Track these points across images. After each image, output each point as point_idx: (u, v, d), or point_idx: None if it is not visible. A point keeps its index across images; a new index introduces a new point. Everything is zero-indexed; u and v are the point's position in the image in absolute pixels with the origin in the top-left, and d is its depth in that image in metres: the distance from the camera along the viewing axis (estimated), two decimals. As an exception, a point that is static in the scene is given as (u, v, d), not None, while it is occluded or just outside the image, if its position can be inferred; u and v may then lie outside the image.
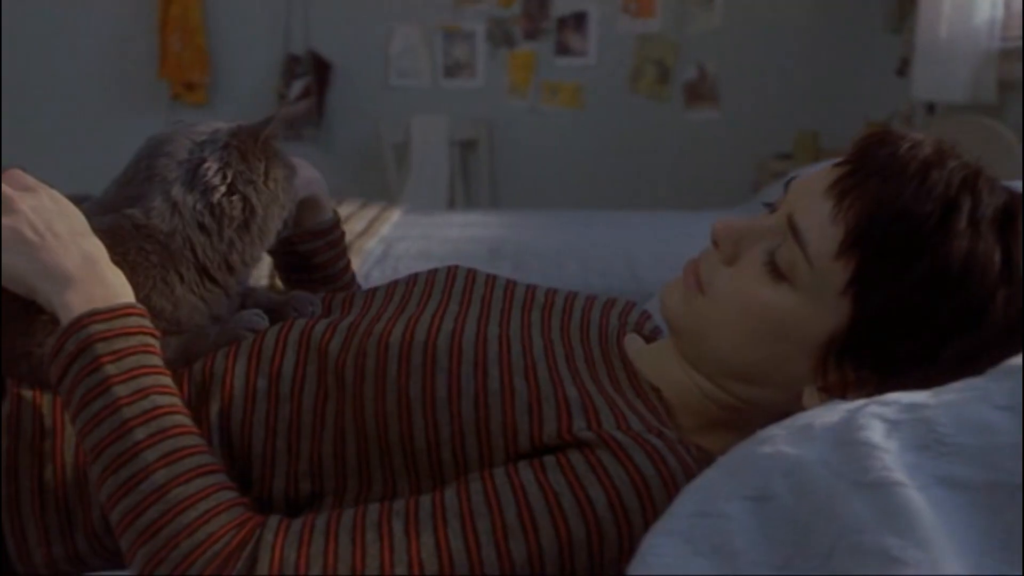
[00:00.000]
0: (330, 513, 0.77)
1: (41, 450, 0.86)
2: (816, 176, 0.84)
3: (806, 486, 0.62)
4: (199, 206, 0.92)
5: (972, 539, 0.57)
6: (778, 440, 0.67)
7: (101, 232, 0.89)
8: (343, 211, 3.26)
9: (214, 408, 0.86)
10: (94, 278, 0.84)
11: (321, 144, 4.30)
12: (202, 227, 0.92)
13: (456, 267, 1.03)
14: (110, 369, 0.79)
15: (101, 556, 0.87)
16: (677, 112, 4.24)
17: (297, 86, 4.21)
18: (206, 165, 0.93)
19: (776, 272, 0.82)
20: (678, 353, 0.89)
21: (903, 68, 3.64)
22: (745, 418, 0.86)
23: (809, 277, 0.80)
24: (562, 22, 4.20)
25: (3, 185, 0.88)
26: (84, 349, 0.80)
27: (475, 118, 4.26)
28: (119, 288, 0.85)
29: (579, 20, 4.19)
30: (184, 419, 0.80)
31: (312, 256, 1.09)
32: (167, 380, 0.82)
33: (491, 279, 1.01)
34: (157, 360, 0.82)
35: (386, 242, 2.83)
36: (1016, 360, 0.67)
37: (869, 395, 0.73)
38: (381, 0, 4.22)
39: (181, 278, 0.93)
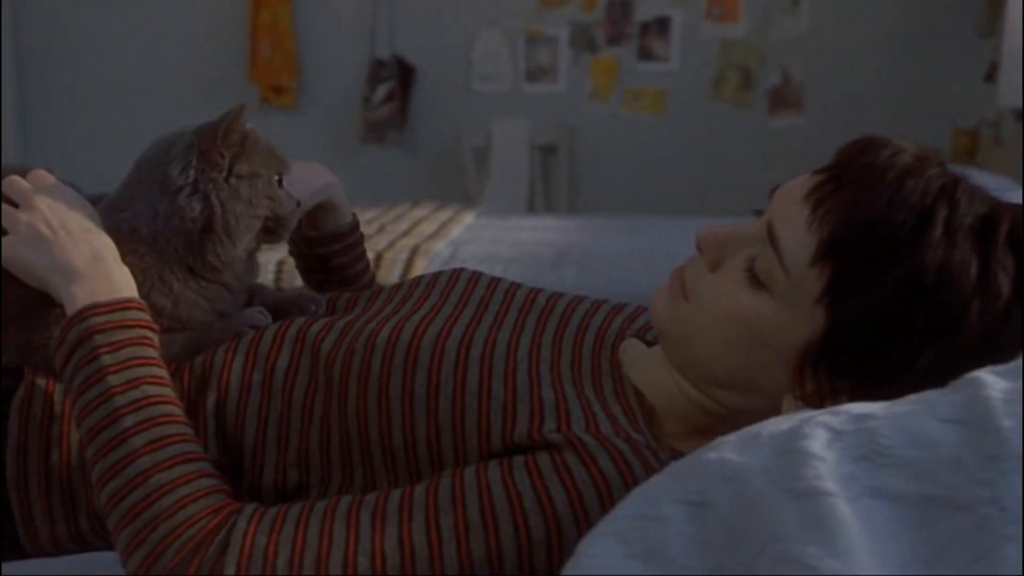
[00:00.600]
0: (304, 503, 0.80)
1: (49, 435, 0.91)
2: (796, 184, 0.83)
3: (743, 493, 0.61)
4: (170, 208, 0.94)
5: (897, 552, 0.56)
6: (725, 447, 0.66)
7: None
8: (418, 213, 3.31)
9: (211, 399, 0.90)
10: (100, 273, 0.88)
11: (404, 147, 4.37)
12: (175, 229, 0.94)
13: (461, 270, 1.04)
14: (106, 359, 0.83)
15: (101, 536, 0.91)
16: (760, 118, 4.18)
17: (381, 90, 4.28)
18: (171, 167, 0.94)
19: (755, 280, 0.81)
20: (667, 358, 0.89)
21: (992, 73, 3.53)
22: (730, 425, 0.86)
23: (786, 285, 0.79)
24: (645, 27, 4.19)
25: (24, 183, 0.93)
26: (84, 339, 0.84)
27: (556, 123, 4.27)
28: (123, 284, 0.89)
29: (662, 25, 4.18)
30: (173, 408, 0.83)
31: (330, 258, 1.12)
32: (161, 372, 0.85)
33: (495, 283, 1.02)
34: (152, 352, 0.86)
35: (455, 245, 2.86)
36: (974, 373, 0.65)
37: (847, 399, 0.73)
38: (465, 5, 4.27)
39: (176, 277, 0.95)
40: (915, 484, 0.59)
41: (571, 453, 0.78)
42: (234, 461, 0.88)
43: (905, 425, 0.62)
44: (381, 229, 3.01)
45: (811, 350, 0.79)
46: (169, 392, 0.84)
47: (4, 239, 0.91)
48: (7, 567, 0.90)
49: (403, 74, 4.28)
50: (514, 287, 1.02)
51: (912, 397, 0.66)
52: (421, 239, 2.84)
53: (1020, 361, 0.65)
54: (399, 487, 0.82)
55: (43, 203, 0.91)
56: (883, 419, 0.63)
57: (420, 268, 2.62)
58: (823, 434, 0.64)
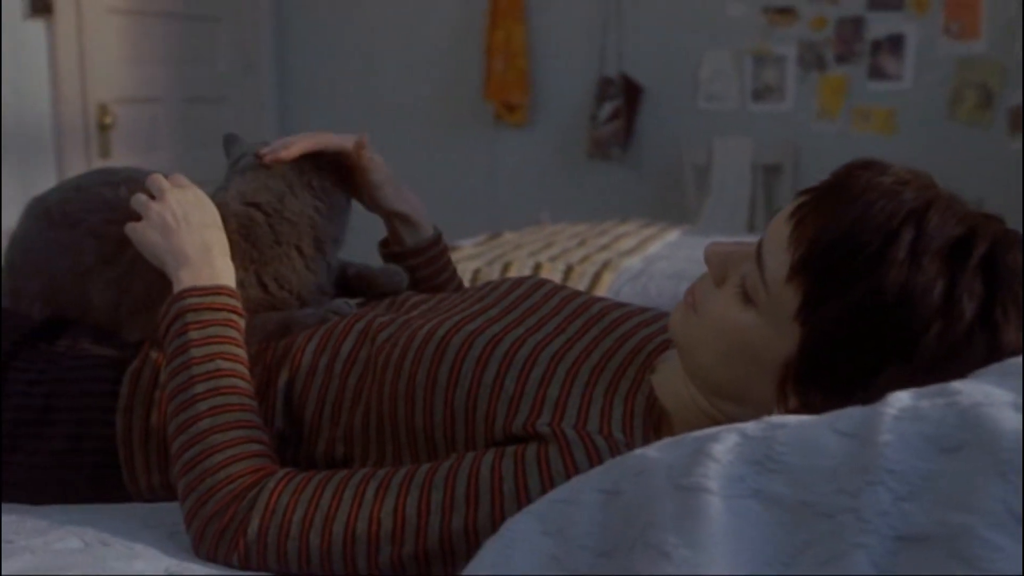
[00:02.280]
0: (328, 472, 0.91)
1: (151, 400, 1.07)
2: (791, 203, 0.86)
3: (645, 485, 0.67)
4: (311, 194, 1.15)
5: (763, 550, 0.60)
6: (654, 446, 0.72)
7: (237, 217, 1.11)
8: (623, 229, 3.38)
9: (284, 376, 1.03)
10: (205, 262, 1.04)
11: (628, 164, 4.44)
12: (316, 208, 1.15)
13: (527, 277, 1.13)
14: (193, 334, 0.98)
15: None
16: (1000, 139, 3.96)
17: (607, 108, 4.37)
18: None
19: (745, 296, 0.85)
20: (682, 368, 0.94)
21: None
22: None
23: (767, 302, 0.83)
24: (877, 45, 4.07)
25: (163, 181, 1.11)
26: (179, 315, 1.00)
27: (781, 142, 4.22)
28: (222, 273, 1.04)
29: (895, 43, 4.04)
30: (239, 382, 0.97)
31: (414, 271, 1.24)
32: (237, 350, 0.99)
33: (555, 290, 1.10)
34: (234, 333, 1.00)
35: (648, 260, 2.91)
36: (898, 395, 0.67)
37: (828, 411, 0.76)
38: (694, 25, 4.30)
39: (300, 251, 1.14)
40: (793, 489, 0.62)
41: (554, 446, 0.85)
42: (296, 432, 1.01)
43: (804, 435, 0.65)
44: (582, 243, 3.10)
45: (790, 367, 0.82)
46: (240, 368, 0.98)
47: (138, 224, 1.08)
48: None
49: (629, 92, 4.36)
50: (572, 295, 1.09)
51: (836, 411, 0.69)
52: (615, 254, 2.91)
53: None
54: (418, 464, 0.92)
55: (174, 198, 1.08)
56: (791, 429, 0.67)
57: (608, 282, 2.70)
58: (733, 439, 0.68)
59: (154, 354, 1.10)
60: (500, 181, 4.67)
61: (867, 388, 0.77)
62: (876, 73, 4.09)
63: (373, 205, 1.23)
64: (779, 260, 0.82)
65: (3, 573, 0.82)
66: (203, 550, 0.91)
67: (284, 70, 4.86)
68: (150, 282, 1.10)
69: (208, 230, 1.06)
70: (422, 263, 1.24)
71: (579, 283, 2.66)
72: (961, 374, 0.72)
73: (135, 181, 1.14)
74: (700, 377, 0.90)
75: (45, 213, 1.17)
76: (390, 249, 1.26)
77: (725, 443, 0.67)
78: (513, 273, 2.65)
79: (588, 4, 4.41)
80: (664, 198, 4.37)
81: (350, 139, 1.17)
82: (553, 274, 2.68)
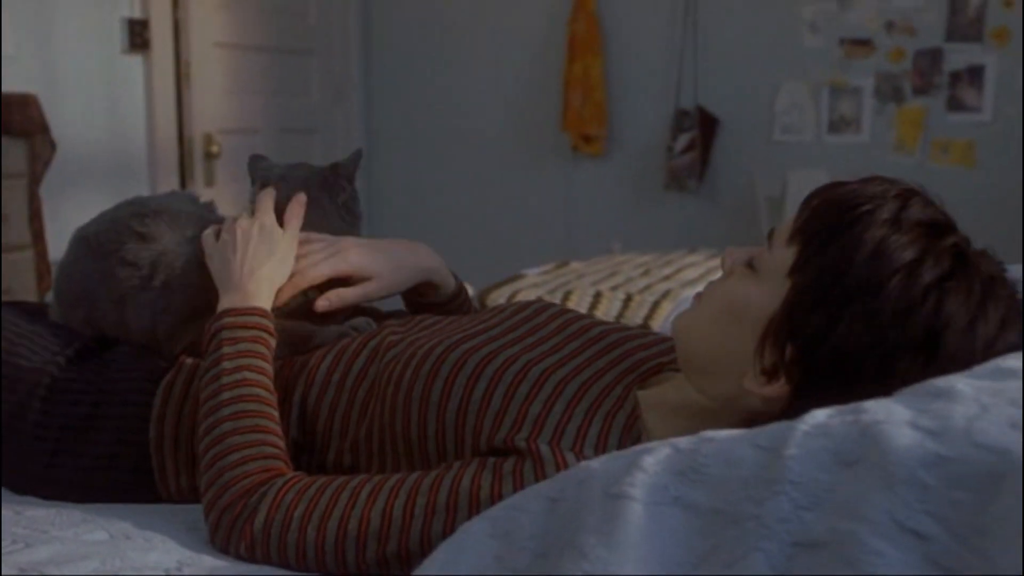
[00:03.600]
0: (333, 476, 0.99)
1: (182, 410, 1.17)
2: None
3: (583, 493, 0.73)
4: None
5: (675, 552, 0.66)
6: (601, 459, 0.78)
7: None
8: (689, 260, 3.41)
9: (299, 389, 1.12)
10: (246, 288, 1.14)
11: (704, 195, 4.47)
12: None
13: (534, 301, 1.19)
14: (226, 349, 1.08)
15: None
16: (1082, 172, 3.88)
17: (683, 139, 4.41)
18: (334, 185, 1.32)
19: (749, 267, 0.93)
20: (678, 359, 1.01)
21: None
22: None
23: (768, 263, 0.91)
24: (955, 76, 4.03)
25: (267, 203, 1.24)
26: (217, 332, 1.11)
27: (857, 174, 4.18)
28: (258, 297, 1.14)
29: (974, 74, 4.00)
30: (262, 392, 1.06)
31: (432, 312, 1.33)
32: (264, 364, 1.09)
33: (559, 312, 1.16)
34: (263, 349, 1.10)
35: (709, 285, 2.93)
36: (815, 413, 0.72)
37: (796, 379, 0.90)
38: (770, 57, 4.32)
39: None
40: (709, 498, 0.68)
41: (529, 461, 0.91)
42: (309, 441, 1.10)
43: (727, 448, 0.71)
44: (646, 273, 3.14)
45: (774, 321, 0.89)
46: (264, 380, 1.08)
47: (209, 245, 1.22)
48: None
49: (705, 124, 4.39)
50: (574, 318, 1.16)
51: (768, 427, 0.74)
52: (677, 284, 2.94)
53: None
54: (411, 471, 1.00)
55: (241, 227, 1.18)
56: (717, 443, 0.72)
57: (665, 312, 2.73)
58: (665, 451, 0.73)
59: (186, 367, 1.20)
60: (576, 211, 4.74)
61: (829, 334, 0.84)
62: (955, 105, 4.06)
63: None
64: (786, 228, 0.91)
65: (33, 559, 0.92)
66: (217, 539, 1.01)
67: (371, 101, 5.03)
68: (181, 304, 1.21)
69: (258, 258, 1.17)
70: (439, 311, 1.34)
71: (638, 312, 2.70)
72: (913, 329, 0.84)
73: (163, 212, 1.26)
74: (688, 353, 0.98)
75: (84, 243, 1.29)
76: (412, 299, 1.36)
77: (657, 455, 0.72)
78: (573, 301, 2.71)
79: (664, 37, 4.47)
80: (738, 230, 4.39)
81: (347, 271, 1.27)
82: (613, 303, 2.73)
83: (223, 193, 4.00)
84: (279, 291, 1.18)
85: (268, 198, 1.24)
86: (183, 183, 3.92)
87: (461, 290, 1.37)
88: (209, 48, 3.97)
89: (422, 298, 1.35)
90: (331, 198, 1.30)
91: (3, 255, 2.85)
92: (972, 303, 0.86)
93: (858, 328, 0.85)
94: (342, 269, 1.22)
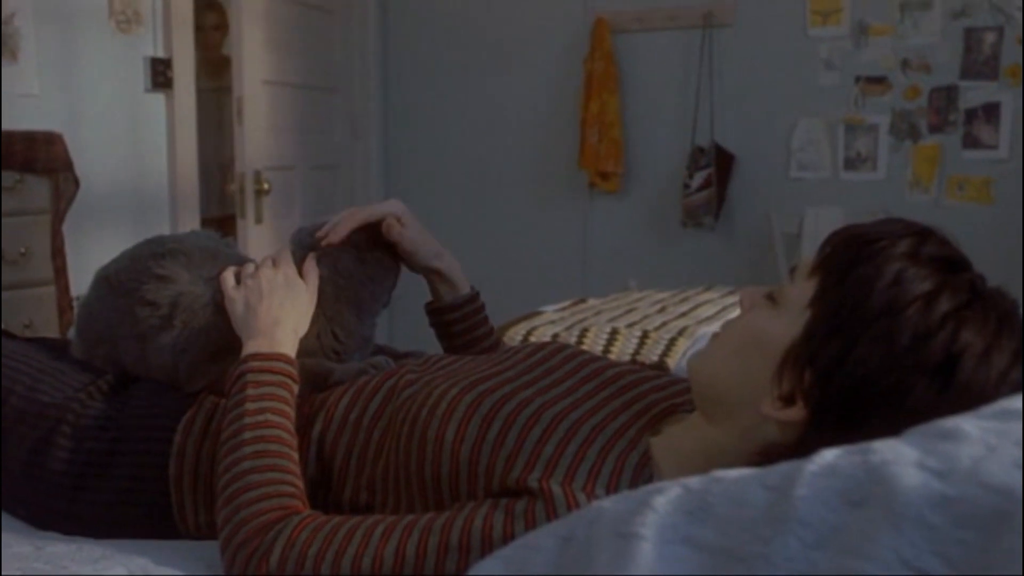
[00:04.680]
0: (347, 516, 1.00)
1: (201, 447, 1.18)
2: None
3: (594, 532, 0.74)
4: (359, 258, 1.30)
5: (686, 590, 0.67)
6: (612, 498, 0.79)
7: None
8: (705, 297, 3.42)
9: (318, 428, 1.14)
10: (271, 335, 1.17)
11: (720, 232, 4.48)
12: (365, 272, 1.32)
13: (549, 342, 1.21)
14: (250, 391, 1.10)
15: None
16: (1101, 210, 3.88)
17: (699, 176, 4.43)
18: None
19: (771, 299, 0.95)
20: (695, 414, 1.02)
21: None
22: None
23: (789, 295, 0.92)
24: (971, 113, 4.04)
25: (285, 256, 1.28)
26: (241, 375, 1.12)
27: (873, 211, 4.20)
28: (284, 345, 1.17)
29: (990, 111, 4.01)
30: (283, 433, 1.07)
31: (451, 326, 1.34)
32: (286, 408, 1.10)
33: (574, 355, 1.17)
34: (285, 393, 1.11)
35: (727, 323, 2.93)
36: (824, 453, 0.73)
37: (813, 403, 0.91)
38: (786, 94, 4.34)
39: (350, 310, 1.31)
40: (718, 536, 0.69)
41: (541, 501, 0.92)
42: (326, 479, 1.11)
43: (736, 488, 0.72)
44: (662, 310, 3.15)
45: (793, 348, 0.90)
46: (286, 422, 1.09)
47: (231, 291, 1.24)
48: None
49: (721, 161, 4.41)
50: (589, 360, 1.17)
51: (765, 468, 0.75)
52: (693, 321, 2.95)
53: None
54: (427, 512, 1.01)
55: (266, 276, 1.23)
56: (727, 483, 0.73)
57: (681, 349, 2.74)
58: (676, 491, 0.74)
59: (206, 406, 1.21)
60: (593, 248, 4.76)
61: (849, 361, 0.86)
62: (971, 142, 4.07)
63: (411, 265, 1.38)
64: (807, 262, 0.92)
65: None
66: (233, 574, 1.01)
67: (389, 138, 5.08)
68: (202, 344, 1.23)
69: (284, 308, 1.21)
70: (457, 319, 1.36)
71: (654, 349, 2.70)
72: (927, 358, 0.85)
73: (181, 252, 1.29)
74: (704, 388, 0.99)
75: (105, 282, 1.32)
76: (430, 306, 1.40)
77: (668, 495, 0.73)
78: (590, 338, 2.72)
79: (680, 75, 4.51)
80: (755, 267, 4.40)
81: (387, 210, 1.29)
82: (629, 340, 2.73)
83: (269, 230, 4.06)
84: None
85: (287, 253, 1.29)
86: (216, 223, 3.99)
87: (476, 300, 1.42)
88: (258, 85, 4.04)
89: (437, 302, 1.41)
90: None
91: (26, 290, 2.89)
92: (988, 333, 0.88)
93: (875, 352, 0.86)
94: (361, 216, 1.32)
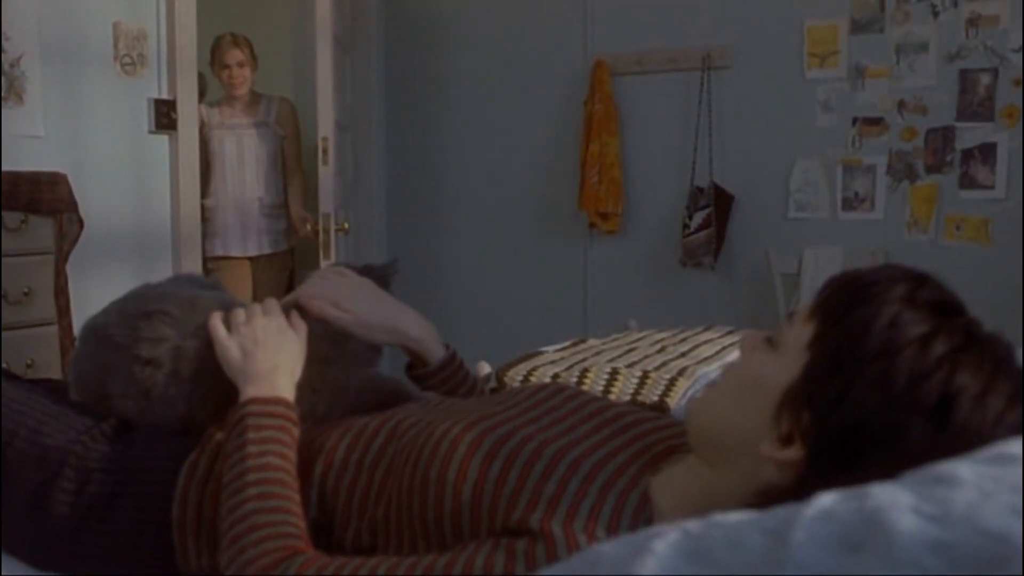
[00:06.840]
0: (351, 557, 1.01)
1: (204, 490, 1.19)
2: None
3: (594, 574, 0.75)
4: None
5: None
6: (613, 541, 0.79)
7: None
8: (704, 337, 3.42)
9: (319, 470, 1.15)
10: (270, 380, 1.19)
11: (718, 273, 4.50)
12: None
13: (549, 383, 1.22)
14: (251, 435, 1.11)
15: None
16: (1098, 250, 3.89)
17: (699, 216, 4.46)
18: None
19: (769, 343, 0.96)
20: (689, 437, 1.03)
21: None
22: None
23: (787, 338, 0.94)
24: (967, 154, 4.08)
25: (252, 310, 1.29)
26: (242, 419, 1.13)
27: (871, 251, 4.23)
28: (282, 389, 1.19)
29: (986, 152, 4.04)
30: (285, 476, 1.09)
31: (431, 388, 1.40)
32: (287, 451, 1.11)
33: (575, 395, 1.19)
34: (286, 437, 1.13)
35: (726, 368, 2.94)
36: (822, 498, 0.74)
37: (811, 443, 0.92)
38: (784, 135, 4.38)
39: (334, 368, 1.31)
40: (716, 580, 0.69)
41: (541, 542, 0.93)
42: (328, 521, 1.12)
43: (735, 532, 0.73)
44: (662, 350, 3.16)
45: (791, 390, 0.91)
46: (288, 466, 1.10)
47: (223, 338, 1.25)
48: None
49: (720, 201, 4.44)
50: (590, 400, 1.18)
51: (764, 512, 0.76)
52: (693, 361, 2.95)
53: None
54: (430, 553, 1.01)
55: (259, 324, 1.25)
56: (726, 527, 0.74)
57: (681, 389, 2.74)
58: (675, 535, 0.75)
59: (211, 444, 1.23)
60: (593, 288, 4.78)
61: (847, 402, 0.87)
62: (967, 183, 4.09)
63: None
64: (804, 309, 0.95)
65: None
66: None
67: (390, 178, 5.11)
68: (216, 387, 1.24)
69: (279, 355, 1.23)
70: (436, 384, 1.40)
71: (654, 390, 2.71)
72: (924, 398, 0.86)
73: (163, 314, 1.30)
74: (702, 432, 1.01)
75: (93, 334, 1.33)
76: (408, 372, 1.45)
77: (667, 539, 0.74)
78: (590, 378, 2.72)
79: (680, 116, 4.55)
80: (754, 306, 4.41)
81: (308, 292, 1.37)
82: (629, 380, 2.74)
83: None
84: None
85: (275, 303, 1.33)
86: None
87: (454, 361, 1.43)
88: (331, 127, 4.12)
89: (415, 370, 1.43)
90: None
91: (29, 330, 2.90)
92: (984, 376, 0.89)
93: (872, 393, 0.88)
94: (298, 298, 1.35)
